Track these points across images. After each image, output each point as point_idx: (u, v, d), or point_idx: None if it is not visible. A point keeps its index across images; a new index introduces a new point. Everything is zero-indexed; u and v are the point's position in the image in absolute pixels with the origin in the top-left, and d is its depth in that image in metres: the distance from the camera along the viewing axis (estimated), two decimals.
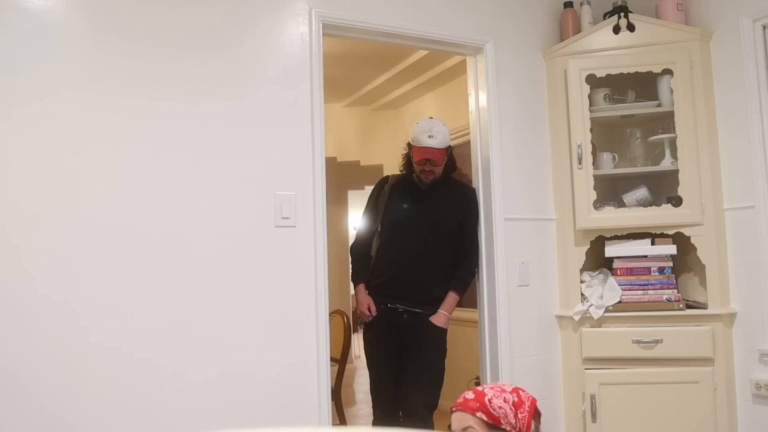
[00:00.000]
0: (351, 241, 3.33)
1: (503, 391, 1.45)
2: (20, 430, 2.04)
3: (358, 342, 5.37)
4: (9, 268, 2.08)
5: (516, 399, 1.43)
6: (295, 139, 2.57)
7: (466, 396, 1.46)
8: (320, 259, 2.56)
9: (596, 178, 2.96)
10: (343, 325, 3.84)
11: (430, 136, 2.87)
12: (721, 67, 2.89)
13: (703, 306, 2.85)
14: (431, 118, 3.03)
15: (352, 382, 6.36)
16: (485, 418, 1.41)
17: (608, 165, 3.07)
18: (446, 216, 2.96)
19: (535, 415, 1.45)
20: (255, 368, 2.42)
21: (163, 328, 2.28)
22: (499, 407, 1.41)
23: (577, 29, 3.16)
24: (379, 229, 3.03)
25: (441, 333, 2.88)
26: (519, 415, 1.42)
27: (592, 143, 2.99)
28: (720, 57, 2.90)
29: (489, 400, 1.42)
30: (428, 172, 2.93)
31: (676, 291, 2.87)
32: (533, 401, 1.47)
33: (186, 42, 2.40)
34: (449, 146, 2.97)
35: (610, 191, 3.18)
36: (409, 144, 3.01)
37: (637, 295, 2.89)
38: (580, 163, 2.95)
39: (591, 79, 2.98)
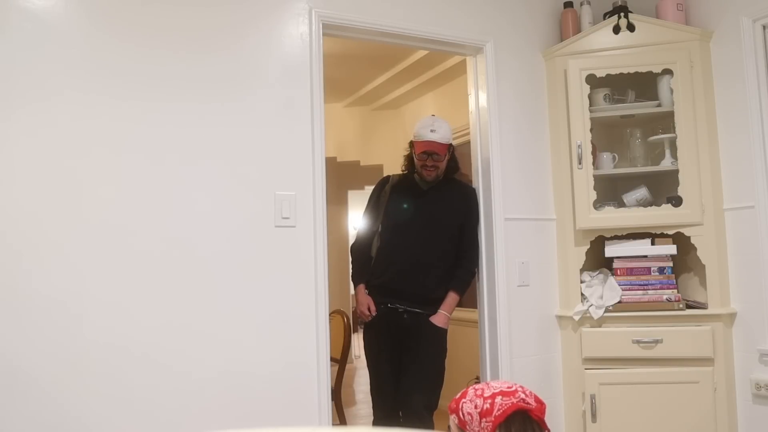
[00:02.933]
0: (351, 241, 3.33)
1: (481, 395, 1.36)
2: (22, 428, 2.04)
3: (358, 342, 5.37)
4: (11, 268, 2.07)
5: (487, 407, 1.32)
6: (295, 139, 2.57)
7: (460, 393, 1.41)
8: (320, 259, 2.56)
9: (596, 178, 2.96)
10: (343, 325, 3.84)
11: (432, 130, 2.89)
12: (721, 67, 2.89)
13: (703, 306, 2.85)
14: (433, 115, 3.04)
15: (352, 382, 6.36)
16: (456, 422, 1.37)
17: (608, 165, 3.07)
18: (446, 216, 2.96)
19: (507, 426, 1.32)
20: (255, 368, 2.42)
21: (164, 327, 2.28)
22: (468, 413, 1.34)
23: (577, 29, 3.16)
24: (379, 229, 3.03)
25: (441, 333, 2.88)
26: (482, 424, 1.33)
27: (592, 143, 2.99)
28: (720, 57, 2.90)
29: (462, 404, 1.36)
30: (430, 167, 2.93)
31: (676, 291, 2.87)
32: (507, 411, 1.32)
33: (186, 43, 2.40)
34: (451, 144, 2.98)
35: (610, 191, 3.18)
36: (411, 143, 3.01)
37: (637, 295, 2.89)
38: (580, 163, 2.95)
39: (591, 79, 2.98)
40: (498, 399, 1.33)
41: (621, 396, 2.82)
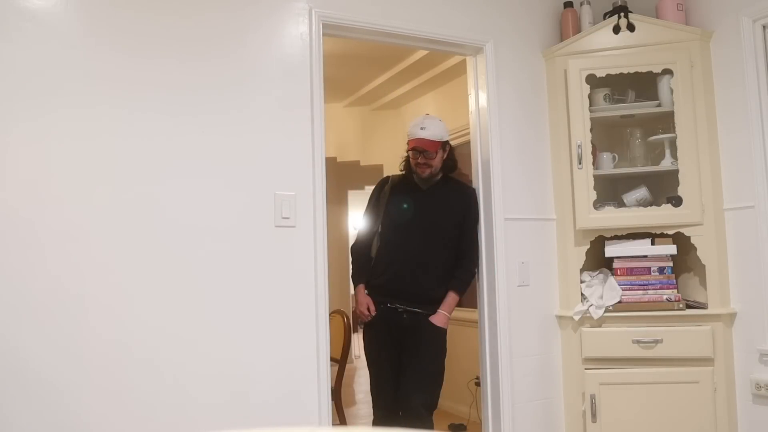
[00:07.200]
0: (351, 241, 3.33)
1: None
2: (26, 425, 2.04)
3: (358, 342, 5.37)
4: (16, 267, 2.08)
5: None
6: (295, 139, 2.56)
7: None
8: (320, 260, 2.56)
9: (596, 178, 2.96)
10: (343, 325, 3.83)
11: (422, 128, 2.93)
12: (721, 67, 2.89)
13: (703, 306, 2.85)
14: (427, 114, 3.07)
15: (352, 382, 6.36)
16: None
17: (608, 165, 3.07)
18: (446, 216, 2.96)
19: None
20: (255, 367, 2.42)
21: (164, 328, 2.28)
22: None
23: (577, 29, 3.16)
24: (379, 229, 3.03)
25: (441, 333, 2.88)
26: None
27: (592, 143, 2.99)
28: (720, 57, 2.90)
29: None
30: (422, 165, 2.95)
31: (676, 291, 2.87)
32: None
33: (186, 43, 2.39)
34: (445, 142, 2.98)
35: (610, 191, 3.18)
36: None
37: (637, 295, 2.89)
38: (580, 163, 2.94)
39: (591, 79, 2.98)
40: None
41: (621, 396, 2.82)
